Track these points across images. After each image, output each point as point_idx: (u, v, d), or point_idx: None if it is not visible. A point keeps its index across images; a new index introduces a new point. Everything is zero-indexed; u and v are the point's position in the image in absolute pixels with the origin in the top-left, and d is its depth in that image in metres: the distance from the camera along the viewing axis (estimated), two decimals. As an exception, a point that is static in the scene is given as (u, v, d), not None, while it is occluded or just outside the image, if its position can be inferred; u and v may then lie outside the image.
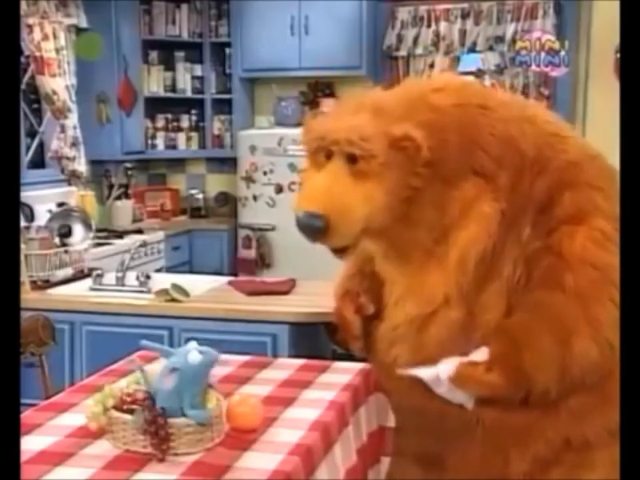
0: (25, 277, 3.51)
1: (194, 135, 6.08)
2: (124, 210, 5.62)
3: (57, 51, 4.77)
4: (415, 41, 5.50)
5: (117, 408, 1.77)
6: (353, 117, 1.87)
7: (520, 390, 1.85)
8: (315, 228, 1.80)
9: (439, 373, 1.90)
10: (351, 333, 2.13)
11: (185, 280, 3.64)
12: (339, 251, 1.93)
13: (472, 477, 1.93)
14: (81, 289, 3.66)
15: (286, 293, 3.53)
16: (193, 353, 1.75)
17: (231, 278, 4.05)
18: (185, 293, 3.38)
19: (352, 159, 1.83)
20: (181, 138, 6.06)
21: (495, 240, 1.87)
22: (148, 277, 3.62)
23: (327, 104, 5.63)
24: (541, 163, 1.91)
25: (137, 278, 3.60)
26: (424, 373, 1.92)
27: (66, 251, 3.81)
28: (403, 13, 5.53)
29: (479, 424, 1.89)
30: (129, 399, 1.78)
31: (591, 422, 1.88)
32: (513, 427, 1.87)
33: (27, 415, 1.94)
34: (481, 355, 1.88)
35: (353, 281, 2.16)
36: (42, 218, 4.10)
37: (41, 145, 5.03)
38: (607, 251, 1.82)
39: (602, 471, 1.90)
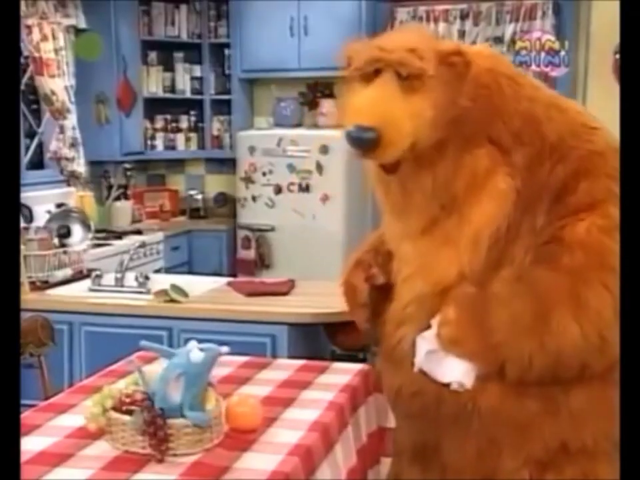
0: (23, 278, 3.51)
1: (193, 135, 6.08)
2: (123, 211, 5.62)
3: (56, 51, 4.77)
4: (414, 41, 5.50)
5: (116, 409, 1.77)
6: (404, 35, 1.90)
7: (484, 346, 1.81)
8: (366, 140, 1.78)
9: (432, 326, 1.90)
10: (357, 300, 2.10)
11: (184, 281, 3.64)
12: (388, 169, 1.90)
13: (467, 469, 1.92)
14: (79, 289, 3.66)
15: (285, 293, 3.53)
16: (194, 352, 1.74)
17: (230, 279, 4.05)
18: (184, 293, 3.38)
19: (402, 75, 1.83)
20: (180, 138, 6.06)
21: (509, 222, 1.85)
22: (147, 277, 3.63)
23: (326, 105, 5.64)
24: (562, 151, 1.88)
25: (136, 279, 3.60)
26: (421, 346, 1.91)
27: (65, 252, 3.81)
28: (402, 14, 5.53)
29: (475, 412, 1.86)
30: (127, 400, 1.78)
31: (592, 428, 1.84)
32: (510, 419, 1.85)
33: (26, 416, 1.94)
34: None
35: (367, 255, 2.15)
36: (41, 219, 4.10)
37: (40, 146, 5.03)
38: (611, 238, 1.78)
39: None
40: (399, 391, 1.99)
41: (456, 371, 1.87)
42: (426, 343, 1.91)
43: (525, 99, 1.92)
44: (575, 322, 1.75)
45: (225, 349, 1.79)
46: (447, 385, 1.87)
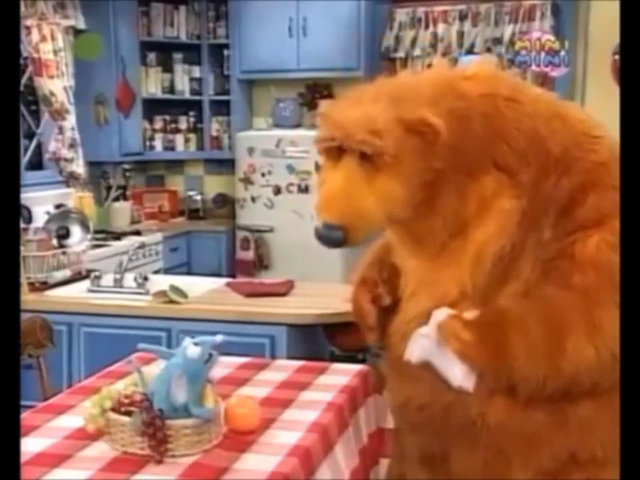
0: (22, 279, 3.51)
1: (192, 136, 6.08)
2: (122, 211, 5.62)
3: (55, 52, 4.76)
4: (413, 42, 5.51)
5: (115, 410, 1.77)
6: (366, 107, 1.83)
7: (498, 368, 1.81)
8: (334, 239, 1.80)
9: (433, 319, 1.89)
10: (366, 324, 2.10)
11: (183, 281, 3.64)
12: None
13: None
14: (78, 290, 3.66)
15: (284, 294, 3.53)
16: (190, 348, 1.74)
17: (229, 279, 4.06)
18: (183, 294, 3.38)
19: (365, 155, 1.80)
20: (179, 139, 6.06)
21: (514, 240, 1.83)
22: (146, 278, 3.62)
23: (325, 105, 5.62)
24: (566, 163, 1.86)
25: (135, 279, 3.60)
26: (424, 330, 1.91)
27: (64, 253, 3.81)
28: (401, 15, 5.54)
29: (483, 425, 1.87)
30: (126, 401, 1.78)
31: (600, 438, 1.82)
32: (518, 432, 1.84)
33: (24, 417, 1.94)
34: (472, 314, 1.87)
35: (372, 270, 2.14)
36: (40, 219, 4.10)
37: (39, 147, 5.03)
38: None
39: None
40: (406, 403, 1.99)
41: (457, 372, 1.87)
42: (426, 340, 1.90)
43: (526, 116, 1.88)
44: (589, 344, 1.75)
45: (219, 337, 1.78)
46: (429, 401, 1.88)
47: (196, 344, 1.76)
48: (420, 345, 1.92)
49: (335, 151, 1.85)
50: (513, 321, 1.82)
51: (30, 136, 4.96)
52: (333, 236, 1.79)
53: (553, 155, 1.86)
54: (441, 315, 1.89)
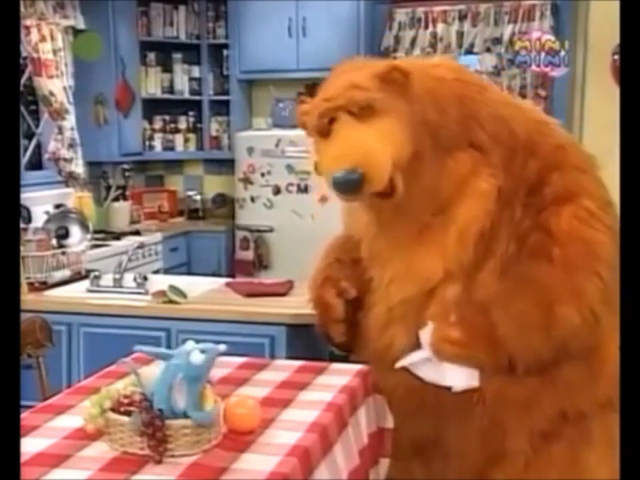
0: (22, 279, 3.50)
1: (191, 136, 6.08)
2: (121, 211, 5.62)
3: (55, 52, 4.77)
4: (413, 42, 5.51)
5: (114, 410, 1.77)
6: (346, 76, 1.96)
7: (495, 354, 1.87)
8: (354, 182, 1.85)
9: (422, 339, 1.92)
10: (332, 316, 2.14)
11: (182, 281, 3.64)
12: (384, 195, 1.95)
13: (471, 453, 1.95)
14: (78, 290, 3.66)
15: (284, 294, 3.53)
16: (194, 354, 1.74)
17: (229, 279, 4.05)
18: (183, 294, 3.38)
19: (355, 113, 1.90)
20: (179, 139, 6.06)
21: (492, 218, 1.93)
22: (145, 278, 3.62)
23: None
24: (530, 147, 1.99)
25: (135, 279, 3.60)
26: (415, 356, 1.94)
27: (63, 253, 3.81)
28: (401, 15, 5.54)
29: (480, 399, 1.91)
30: (126, 401, 1.78)
31: (583, 394, 1.94)
32: (511, 400, 1.91)
33: (24, 417, 1.94)
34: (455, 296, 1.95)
35: (332, 269, 2.18)
36: (39, 219, 4.10)
37: (39, 147, 5.03)
38: (593, 228, 1.90)
39: (600, 446, 1.95)
40: (396, 390, 2.01)
41: (459, 376, 1.88)
42: (422, 362, 1.92)
43: (492, 101, 2.03)
44: (576, 310, 1.86)
45: (222, 347, 1.79)
46: (420, 385, 1.90)
47: (202, 350, 1.75)
48: (418, 366, 1.94)
49: (325, 125, 1.96)
50: (497, 304, 1.90)
51: (29, 136, 4.96)
52: (352, 177, 1.84)
53: (518, 137, 2.00)
54: (427, 333, 1.92)
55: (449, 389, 1.93)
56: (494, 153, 1.96)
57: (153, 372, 1.83)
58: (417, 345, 1.97)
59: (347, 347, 2.21)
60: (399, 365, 2.00)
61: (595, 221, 1.91)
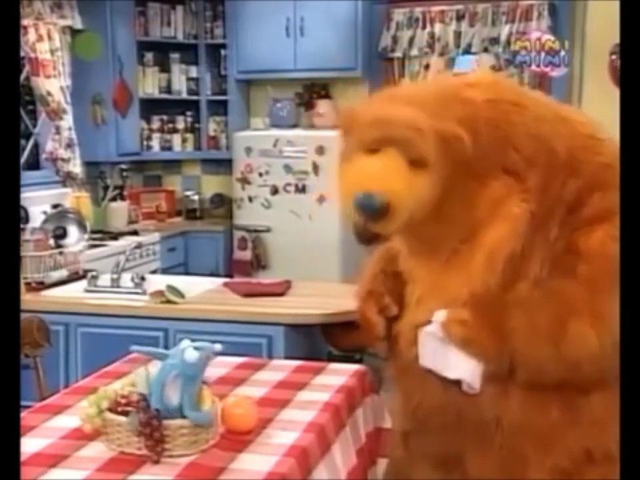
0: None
1: (189, 136, 6.07)
2: (119, 211, 5.62)
3: (52, 52, 4.76)
4: (410, 42, 5.51)
5: (112, 410, 1.77)
6: (403, 109, 1.87)
7: (499, 349, 1.83)
8: (374, 208, 1.79)
9: (435, 318, 1.90)
10: (374, 335, 2.11)
11: (180, 281, 3.64)
12: (372, 240, 1.93)
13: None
14: (75, 290, 3.65)
15: (281, 294, 3.53)
16: (189, 352, 1.74)
17: (227, 279, 4.05)
18: (180, 294, 3.38)
19: (405, 154, 1.84)
20: (176, 139, 6.05)
21: (524, 242, 1.86)
22: (143, 278, 3.62)
23: (322, 105, 5.64)
24: (573, 165, 1.89)
25: (132, 279, 3.60)
26: (428, 328, 1.92)
27: (61, 253, 3.81)
28: (398, 15, 5.54)
29: (498, 426, 1.87)
30: (123, 401, 1.78)
31: (614, 433, 1.78)
32: (533, 431, 1.85)
33: (21, 417, 1.93)
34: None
35: (376, 282, 2.15)
36: (37, 219, 4.09)
37: (36, 147, 5.02)
38: None
39: None
40: (419, 406, 2.00)
41: (462, 368, 1.87)
42: (431, 338, 1.91)
43: (532, 120, 1.91)
44: (592, 331, 1.77)
45: (218, 347, 1.79)
46: (454, 382, 1.88)
47: (196, 348, 1.75)
48: (426, 345, 1.93)
49: (372, 145, 1.88)
50: (514, 305, 1.85)
51: (27, 136, 4.96)
52: (375, 203, 1.79)
53: (559, 157, 1.89)
54: (442, 313, 1.90)
55: (457, 383, 1.90)
56: (530, 176, 1.87)
57: (151, 372, 1.83)
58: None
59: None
60: (420, 361, 1.96)
61: None
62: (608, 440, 1.84)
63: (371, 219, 1.83)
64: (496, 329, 1.84)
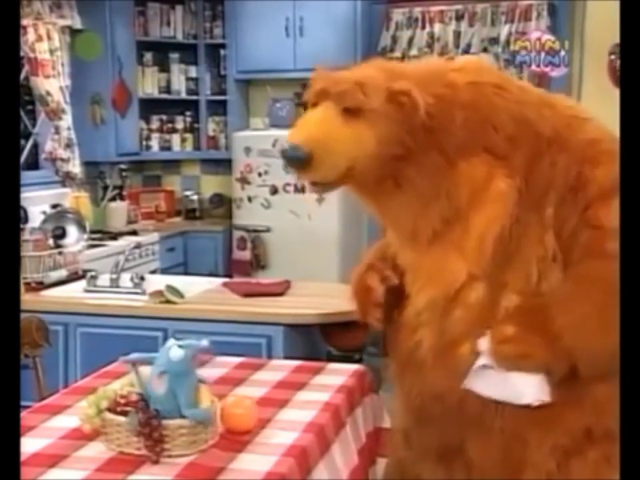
0: (18, 279, 3.51)
1: (188, 136, 6.07)
2: (118, 211, 5.62)
3: (51, 52, 4.76)
4: (410, 42, 5.51)
5: (111, 410, 1.77)
6: (359, 70, 1.92)
7: (553, 352, 1.80)
8: (298, 158, 1.84)
9: (481, 347, 1.87)
10: (372, 300, 2.11)
11: (179, 281, 3.64)
12: (322, 187, 1.97)
13: (493, 465, 1.92)
14: (75, 290, 3.65)
15: (281, 294, 3.53)
16: (173, 350, 1.74)
17: (226, 279, 4.05)
18: (180, 294, 3.38)
19: (345, 106, 1.87)
20: (176, 139, 6.05)
21: (513, 220, 1.87)
22: (142, 278, 3.62)
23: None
24: (559, 143, 1.92)
25: (132, 279, 3.60)
26: (475, 369, 1.90)
27: (60, 253, 3.81)
28: (398, 15, 5.54)
29: (499, 410, 1.88)
30: (122, 401, 1.78)
31: (614, 412, 1.79)
32: (532, 412, 1.85)
33: (21, 417, 1.94)
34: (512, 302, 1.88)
35: (377, 261, 2.17)
36: (36, 219, 4.09)
37: (35, 147, 5.02)
38: None
39: None
40: (420, 395, 2.00)
41: (530, 389, 1.85)
42: (486, 371, 1.88)
43: (514, 102, 1.95)
44: None
45: (204, 343, 1.79)
46: (527, 406, 1.86)
47: (180, 346, 1.76)
48: (483, 379, 1.90)
49: (313, 99, 1.93)
50: (554, 302, 1.83)
51: (26, 136, 4.95)
52: (297, 154, 1.84)
53: (544, 137, 1.92)
54: (485, 341, 1.88)
55: (527, 406, 1.89)
56: (514, 157, 1.90)
57: (145, 374, 1.83)
58: (444, 345, 1.94)
59: (380, 339, 2.19)
60: (466, 385, 1.95)
61: None
62: (608, 418, 1.84)
63: (297, 168, 1.87)
64: (545, 334, 1.82)
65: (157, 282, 3.61)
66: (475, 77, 1.98)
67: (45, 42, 4.71)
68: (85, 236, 4.10)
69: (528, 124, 1.92)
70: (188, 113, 6.05)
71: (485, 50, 5.31)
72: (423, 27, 5.47)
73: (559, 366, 1.82)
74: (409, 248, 2.04)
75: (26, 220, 4.18)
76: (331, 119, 1.87)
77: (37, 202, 4.37)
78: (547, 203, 1.89)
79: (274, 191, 5.39)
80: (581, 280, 1.85)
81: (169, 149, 6.05)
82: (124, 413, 1.74)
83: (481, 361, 1.88)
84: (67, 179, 4.91)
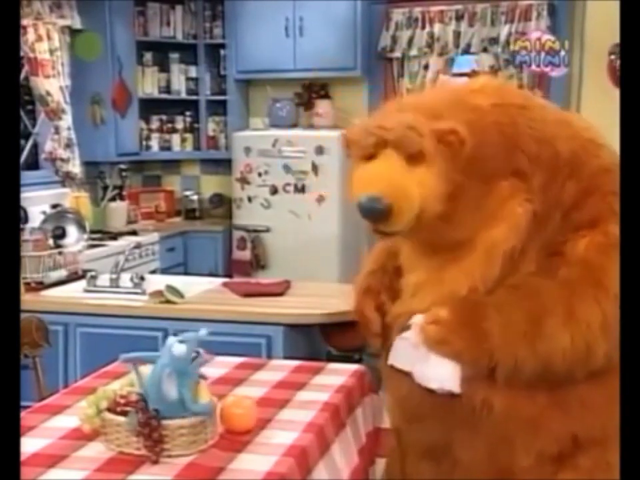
0: (18, 279, 3.50)
1: (188, 136, 6.07)
2: (118, 211, 5.62)
3: (51, 52, 4.76)
4: (410, 42, 5.51)
5: (111, 410, 1.77)
6: (400, 115, 1.91)
7: (476, 349, 1.84)
8: (378, 210, 1.83)
9: (412, 321, 1.91)
10: (370, 331, 2.13)
11: (179, 281, 3.64)
12: (393, 234, 1.96)
13: (479, 468, 1.93)
14: (75, 290, 3.65)
15: (280, 294, 3.53)
16: (176, 346, 1.74)
17: (226, 279, 4.05)
18: (180, 294, 3.38)
19: (403, 152, 1.87)
20: (176, 139, 6.05)
21: (524, 240, 1.89)
22: (142, 278, 3.62)
23: (321, 105, 5.64)
24: (572, 167, 1.93)
25: (132, 279, 3.60)
26: (405, 334, 1.93)
27: (60, 253, 3.81)
28: (398, 15, 5.54)
29: (487, 412, 1.89)
30: (122, 401, 1.78)
31: (601, 418, 1.88)
32: (521, 417, 1.87)
33: (20, 417, 1.94)
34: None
35: (375, 278, 2.18)
36: (36, 219, 4.09)
37: (35, 147, 5.02)
38: (608, 257, 1.83)
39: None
40: (409, 394, 2.01)
41: (440, 374, 1.88)
42: (407, 343, 1.93)
43: (536, 121, 1.95)
44: (566, 330, 1.80)
45: (203, 332, 1.78)
46: (432, 391, 1.89)
47: (181, 341, 1.76)
48: (401, 350, 1.94)
49: (370, 150, 1.91)
50: (491, 303, 1.87)
51: (26, 136, 4.95)
52: (378, 205, 1.82)
53: (562, 158, 1.92)
54: (419, 316, 1.92)
55: (432, 392, 1.91)
56: (534, 176, 1.91)
57: (144, 373, 1.83)
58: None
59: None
60: (390, 361, 1.99)
61: (613, 249, 1.82)
62: (594, 425, 1.88)
63: (376, 220, 1.86)
64: (472, 328, 1.86)
65: (157, 282, 3.61)
66: (498, 98, 1.98)
67: (44, 42, 4.71)
68: (85, 236, 4.10)
69: (549, 143, 1.93)
70: (188, 113, 6.05)
71: (484, 50, 5.31)
72: (423, 27, 5.47)
73: (478, 363, 1.86)
74: (414, 254, 2.05)
75: (26, 220, 4.18)
76: (398, 167, 1.86)
77: (36, 202, 4.37)
78: (551, 226, 1.91)
79: (274, 191, 5.39)
80: (524, 291, 1.88)
81: (168, 148, 6.05)
82: (124, 413, 1.74)
83: (406, 333, 1.92)
84: (66, 179, 4.91)
